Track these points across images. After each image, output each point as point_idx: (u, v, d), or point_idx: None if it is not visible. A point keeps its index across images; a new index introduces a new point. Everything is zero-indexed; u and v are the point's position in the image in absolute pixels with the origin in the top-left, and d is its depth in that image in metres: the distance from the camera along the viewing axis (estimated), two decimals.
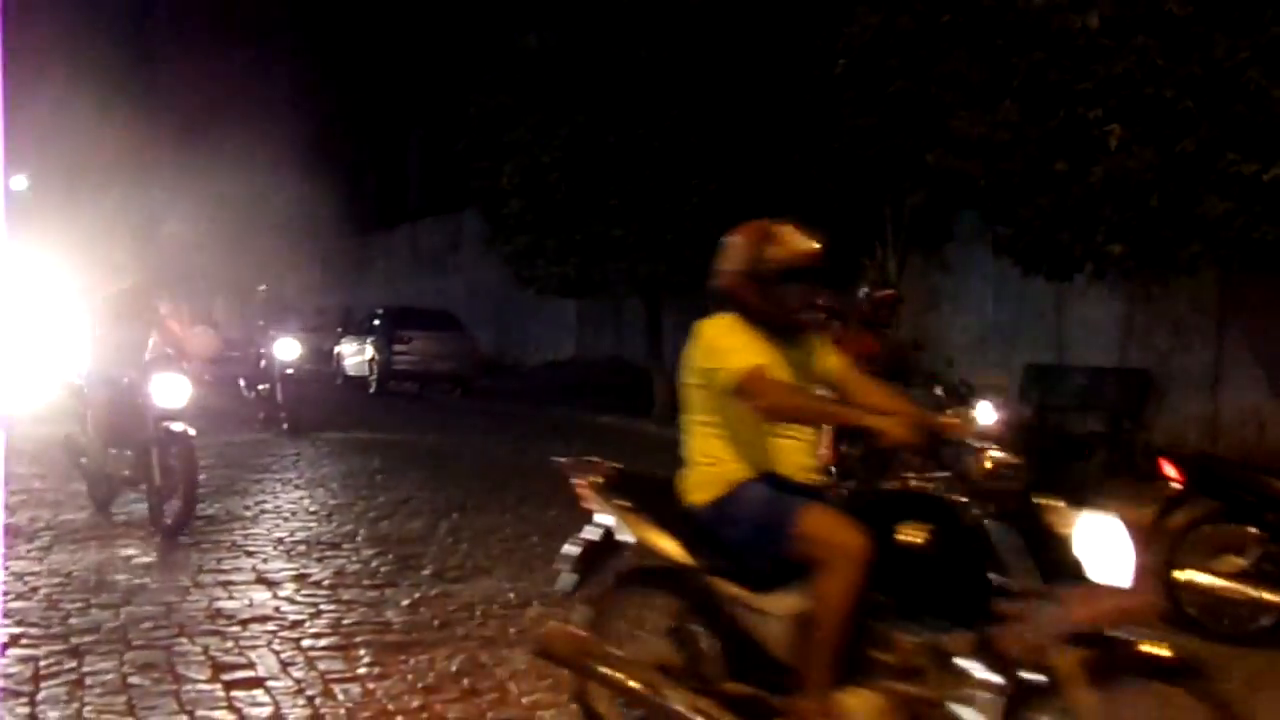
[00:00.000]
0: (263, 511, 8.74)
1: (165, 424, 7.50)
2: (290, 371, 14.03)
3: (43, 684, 4.62)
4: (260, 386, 14.42)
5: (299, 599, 6.12)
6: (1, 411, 9.84)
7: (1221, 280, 10.56)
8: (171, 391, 7.60)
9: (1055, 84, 9.02)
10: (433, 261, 31.71)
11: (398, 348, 21.42)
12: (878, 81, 10.33)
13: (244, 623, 5.63)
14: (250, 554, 7.19)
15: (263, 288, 20.10)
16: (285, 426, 13.61)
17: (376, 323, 22.39)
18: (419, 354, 21.54)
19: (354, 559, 7.15)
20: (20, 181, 41.23)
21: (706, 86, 14.55)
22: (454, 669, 5.01)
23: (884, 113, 10.43)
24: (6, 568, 6.54)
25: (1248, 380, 10.96)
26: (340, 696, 4.63)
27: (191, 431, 7.52)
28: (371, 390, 21.47)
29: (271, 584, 6.41)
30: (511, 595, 6.31)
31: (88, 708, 4.40)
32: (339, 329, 25.28)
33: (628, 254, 15.65)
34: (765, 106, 14.13)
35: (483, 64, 18.41)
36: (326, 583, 6.49)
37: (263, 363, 14.37)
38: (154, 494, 7.62)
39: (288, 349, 14.14)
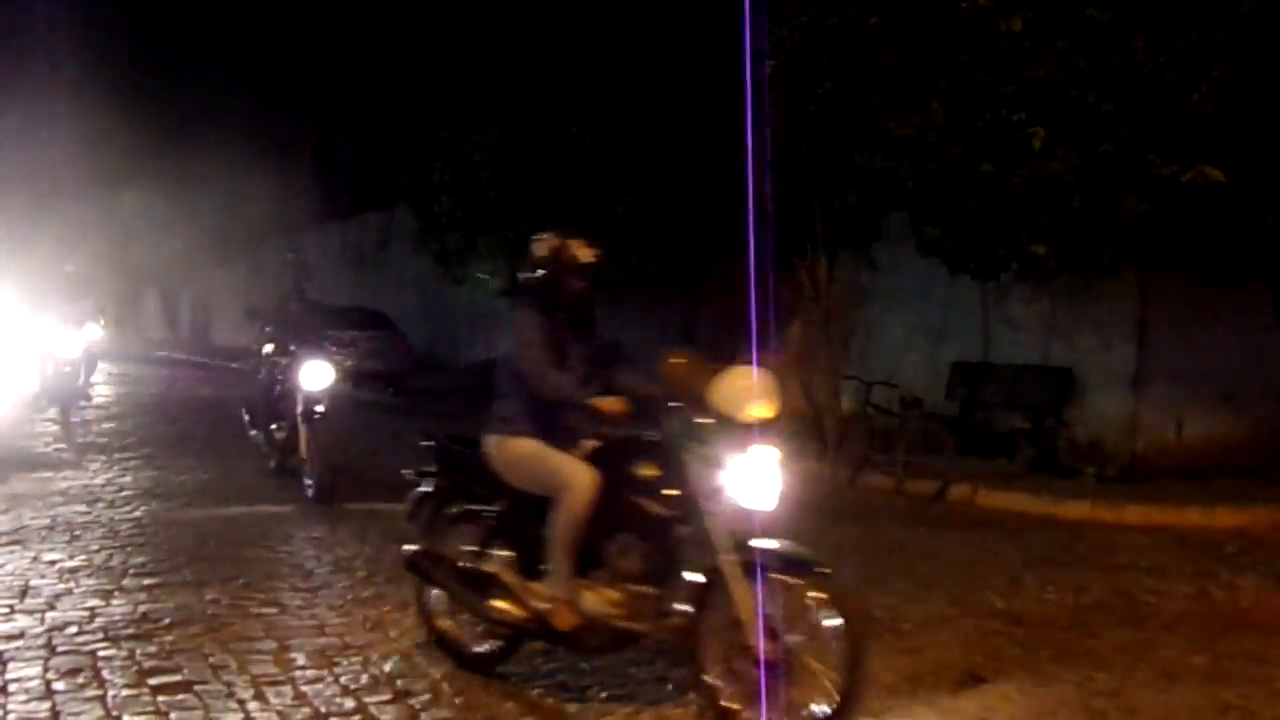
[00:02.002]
0: (191, 514, 8.61)
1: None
2: (320, 410, 9.28)
3: None
4: (274, 426, 10.17)
5: (228, 601, 6.05)
6: None
7: (1142, 280, 10.81)
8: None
9: (981, 86, 9.18)
10: (363, 259, 31.39)
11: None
12: (807, 82, 10.43)
13: (170, 626, 5.55)
14: (175, 554, 7.09)
15: (292, 254, 12.63)
16: (310, 493, 9.12)
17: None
18: (348, 353, 21.28)
19: (286, 561, 7.07)
20: None
21: (638, 85, 14.58)
22: (387, 670, 4.99)
23: (814, 113, 10.53)
24: None
25: (1166, 378, 11.23)
26: (271, 700, 4.59)
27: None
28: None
29: (199, 586, 6.32)
30: None
31: (11, 715, 4.33)
32: (265, 327, 24.91)
33: None
34: (696, 106, 14.19)
35: (415, 60, 18.28)
36: (257, 585, 6.41)
37: (277, 388, 9.94)
38: None
39: (317, 375, 9.35)
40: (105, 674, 4.83)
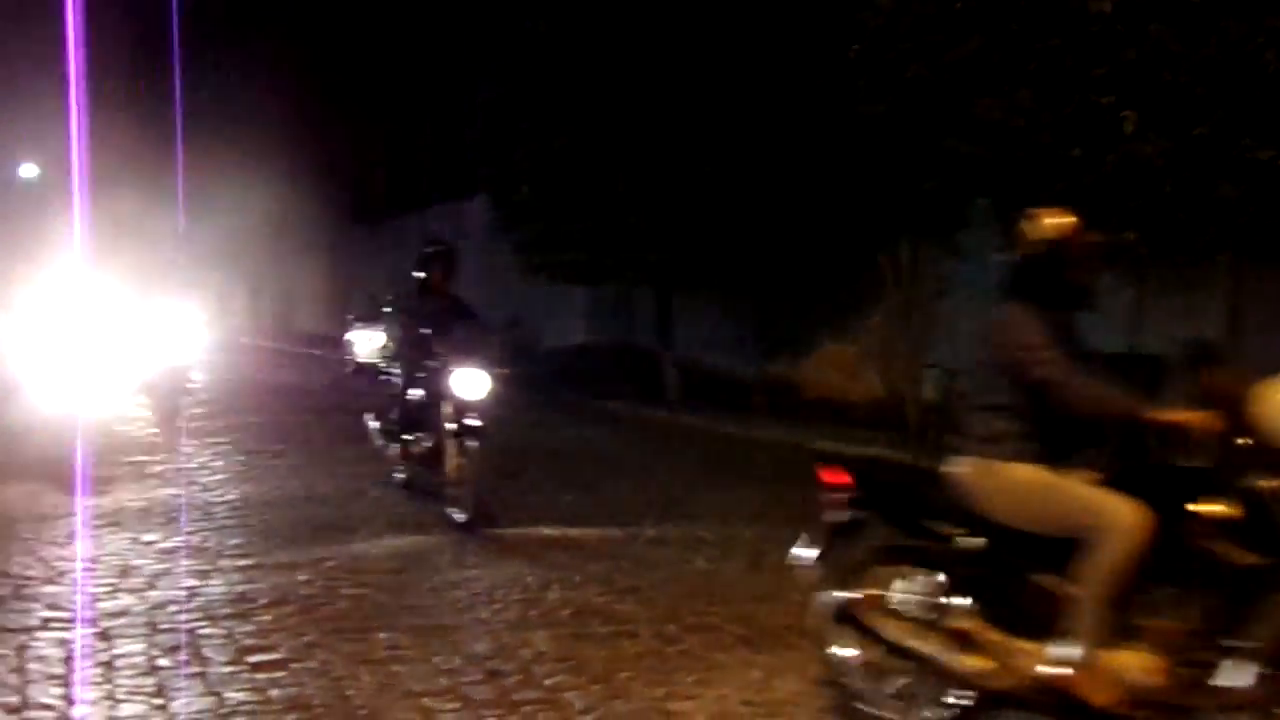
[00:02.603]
0: (282, 498, 8.81)
1: None
2: (476, 423, 7.89)
3: (75, 666, 4.69)
4: (409, 437, 8.84)
5: (317, 583, 6.18)
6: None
7: (1234, 267, 10.55)
8: None
9: (1070, 70, 9.01)
10: None
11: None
12: (892, 67, 10.32)
13: (266, 606, 5.70)
14: (268, 538, 7.27)
15: (434, 244, 9.52)
16: (460, 516, 7.69)
17: (388, 310, 22.40)
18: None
19: (374, 544, 7.20)
20: (30, 169, 41.49)
21: (718, 73, 14.55)
22: (477, 651, 5.07)
23: (898, 99, 10.42)
24: (36, 554, 6.63)
25: (1259, 366, 10.97)
26: (365, 678, 4.69)
27: None
28: (381, 376, 21.50)
29: (292, 568, 6.47)
30: (530, 579, 6.36)
31: (119, 689, 4.47)
32: (349, 316, 25.37)
33: (638, 241, 15.67)
34: (777, 93, 14.13)
35: (492, 51, 18.42)
36: (347, 567, 6.55)
37: (411, 392, 8.81)
38: None
39: (472, 383, 7.93)
40: (205, 651, 4.97)
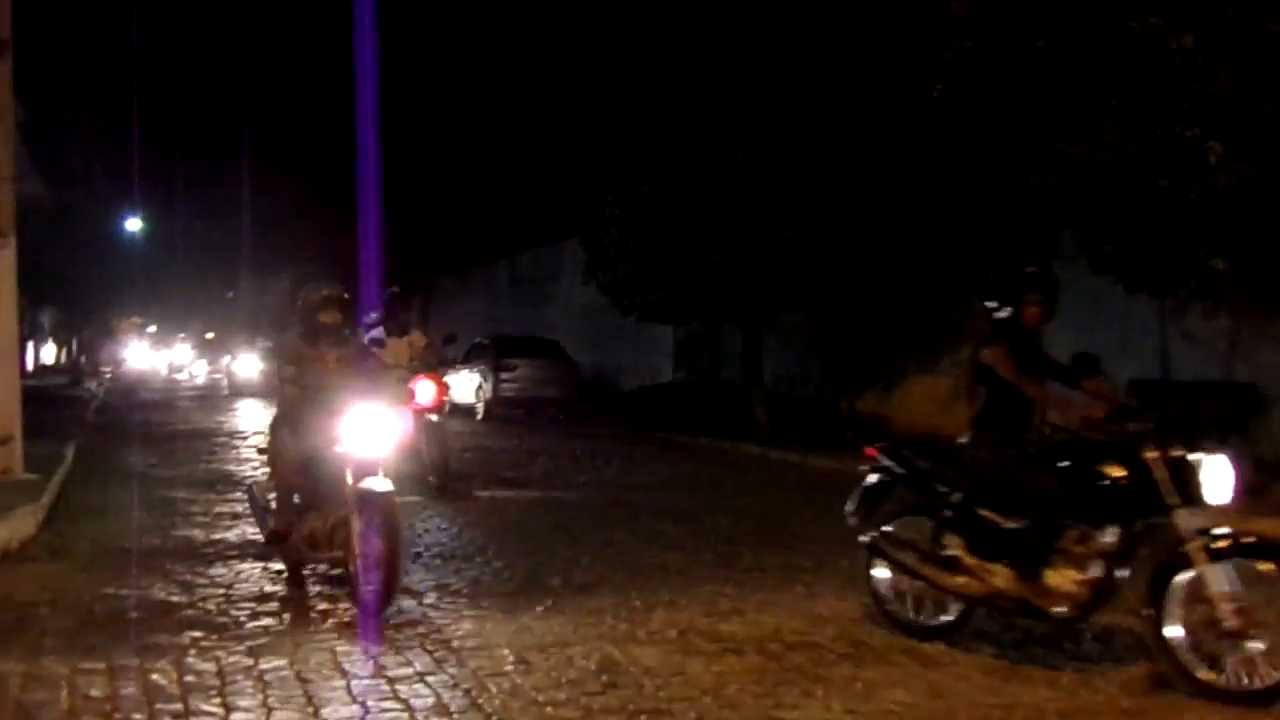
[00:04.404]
0: None
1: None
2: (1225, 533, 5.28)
3: (228, 681, 5.09)
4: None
5: (443, 606, 6.56)
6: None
7: None
8: None
9: (1153, 103, 9.19)
10: (532, 290, 32.46)
11: (504, 375, 22.00)
12: (974, 105, 10.57)
13: (396, 627, 6.08)
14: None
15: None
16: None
17: (482, 352, 23.02)
18: (524, 381, 22.10)
19: (486, 571, 7.57)
20: (135, 223, 43.25)
21: (804, 113, 14.89)
22: (592, 667, 5.38)
23: (981, 136, 10.66)
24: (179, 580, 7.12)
25: None
26: (493, 690, 5.03)
27: None
28: (478, 417, 22.09)
29: (415, 594, 6.85)
30: (637, 602, 6.67)
31: (271, 698, 4.87)
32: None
33: (726, 280, 16.01)
34: (862, 132, 14.43)
35: (581, 99, 18.98)
36: (465, 592, 6.92)
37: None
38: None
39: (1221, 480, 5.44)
40: (345, 666, 5.35)
